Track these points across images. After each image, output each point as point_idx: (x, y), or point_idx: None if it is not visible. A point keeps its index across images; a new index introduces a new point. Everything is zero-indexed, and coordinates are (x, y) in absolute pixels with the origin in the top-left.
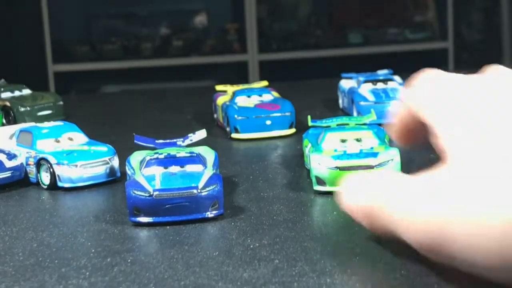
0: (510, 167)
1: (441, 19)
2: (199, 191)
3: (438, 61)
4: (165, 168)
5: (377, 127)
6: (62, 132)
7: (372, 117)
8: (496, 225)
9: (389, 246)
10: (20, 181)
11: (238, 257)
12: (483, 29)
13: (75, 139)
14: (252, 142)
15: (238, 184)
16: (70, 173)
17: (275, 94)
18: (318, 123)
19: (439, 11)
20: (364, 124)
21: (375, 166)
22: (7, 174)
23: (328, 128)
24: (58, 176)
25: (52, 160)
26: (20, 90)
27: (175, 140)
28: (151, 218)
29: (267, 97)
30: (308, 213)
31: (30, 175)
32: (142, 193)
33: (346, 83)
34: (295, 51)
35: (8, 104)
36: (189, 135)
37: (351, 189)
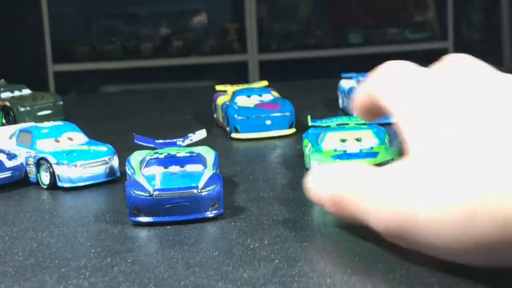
0: (468, 158)
1: (441, 19)
2: (199, 191)
3: (438, 61)
4: (165, 168)
5: (377, 127)
6: (62, 132)
7: None
8: (457, 212)
9: (389, 246)
10: (20, 181)
11: (238, 257)
12: (483, 29)
13: (75, 139)
14: (252, 142)
15: (238, 184)
16: (70, 173)
17: (275, 94)
18: (318, 123)
19: (439, 11)
20: (364, 124)
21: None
22: (7, 174)
23: (328, 128)
24: (57, 176)
25: (52, 160)
26: (20, 90)
27: (175, 140)
28: (151, 218)
29: (267, 97)
30: (308, 213)
31: (30, 175)
32: (142, 193)
33: (346, 83)
34: (295, 51)
35: (8, 104)
36: (189, 135)
37: (320, 179)
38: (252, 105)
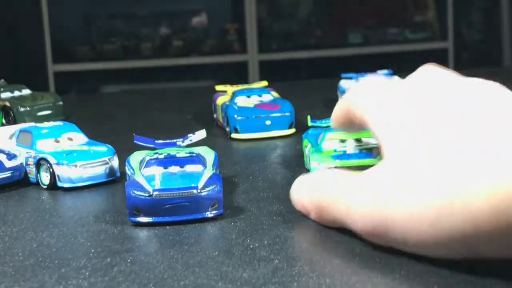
0: (439, 159)
1: (441, 19)
2: (198, 191)
3: (438, 61)
4: (165, 168)
5: None
6: (62, 132)
7: None
8: (430, 209)
9: (389, 247)
10: (20, 181)
11: (237, 257)
12: (483, 29)
13: (75, 139)
14: (252, 142)
15: (238, 184)
16: (70, 173)
17: (275, 94)
18: (317, 123)
19: (439, 11)
20: None
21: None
22: (7, 174)
23: (327, 128)
24: (57, 176)
25: (52, 160)
26: (20, 90)
27: (174, 140)
28: (151, 218)
29: (267, 97)
30: None
31: (29, 175)
32: (142, 193)
33: (346, 83)
34: (295, 51)
35: (8, 104)
36: (188, 135)
37: (301, 186)
38: (252, 105)
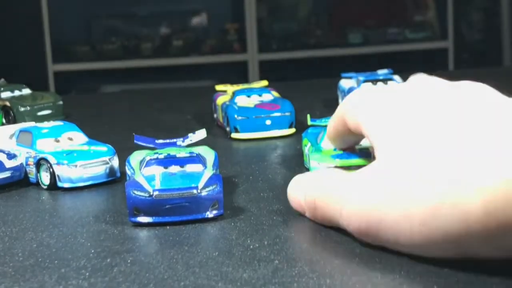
0: (431, 160)
1: (441, 19)
2: (199, 191)
3: (438, 61)
4: (165, 168)
5: None
6: (62, 132)
7: None
8: (422, 210)
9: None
10: (20, 181)
11: (238, 258)
12: (483, 29)
13: (75, 139)
14: (252, 142)
15: (238, 184)
16: (70, 173)
17: (275, 94)
18: (317, 122)
19: (439, 11)
20: None
21: None
22: (7, 174)
23: (327, 127)
24: (58, 176)
25: (52, 160)
26: (20, 90)
27: (175, 140)
28: (151, 218)
29: (267, 97)
30: None
31: (29, 175)
32: (142, 193)
33: (346, 83)
34: (295, 51)
35: (8, 104)
36: (189, 135)
37: (298, 185)
38: (252, 105)
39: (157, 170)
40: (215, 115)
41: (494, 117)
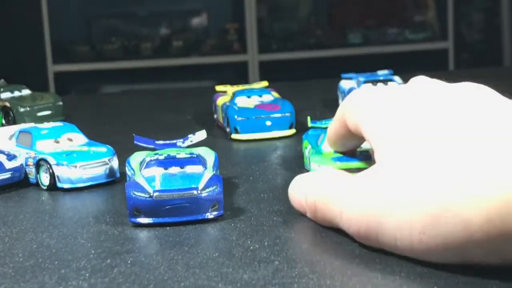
0: (431, 166)
1: (441, 19)
2: (199, 192)
3: (438, 61)
4: (165, 169)
5: None
6: (62, 132)
7: None
8: (422, 216)
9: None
10: (20, 182)
11: (238, 258)
12: (483, 29)
13: (75, 139)
14: (252, 143)
15: (238, 185)
16: (70, 174)
17: (275, 94)
18: (318, 124)
19: (439, 11)
20: None
21: None
22: (6, 175)
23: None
24: (57, 177)
25: (52, 160)
26: (20, 91)
27: (175, 141)
28: (151, 219)
29: (267, 97)
30: None
31: (29, 176)
32: (142, 194)
33: (346, 83)
34: (295, 51)
35: (7, 104)
36: (189, 135)
37: (299, 185)
38: (252, 106)
39: (157, 171)
40: (215, 116)
41: (495, 121)
